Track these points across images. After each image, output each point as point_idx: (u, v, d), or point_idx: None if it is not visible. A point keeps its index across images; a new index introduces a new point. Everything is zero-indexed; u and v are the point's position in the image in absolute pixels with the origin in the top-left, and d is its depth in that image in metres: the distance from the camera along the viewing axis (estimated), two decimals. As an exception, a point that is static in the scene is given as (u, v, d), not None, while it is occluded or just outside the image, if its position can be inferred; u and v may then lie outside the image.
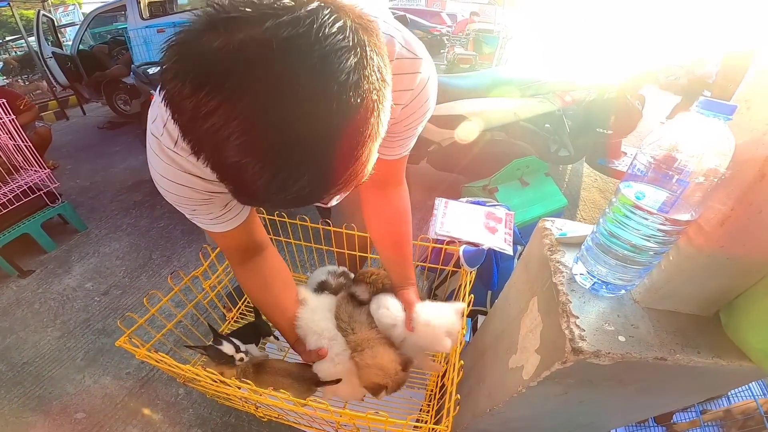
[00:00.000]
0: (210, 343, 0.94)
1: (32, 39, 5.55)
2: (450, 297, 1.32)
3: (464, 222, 1.53)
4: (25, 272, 2.34)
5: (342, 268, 1.20)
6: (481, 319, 1.52)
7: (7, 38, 12.91)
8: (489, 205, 1.67)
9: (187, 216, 0.73)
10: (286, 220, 1.19)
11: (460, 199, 1.74)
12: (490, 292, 1.52)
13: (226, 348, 0.89)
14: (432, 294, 1.47)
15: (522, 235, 2.26)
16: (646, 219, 0.55)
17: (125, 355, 1.78)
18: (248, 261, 0.89)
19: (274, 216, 1.19)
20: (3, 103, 2.29)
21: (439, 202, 1.55)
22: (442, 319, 0.96)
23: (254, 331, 1.05)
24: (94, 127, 5.15)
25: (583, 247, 0.69)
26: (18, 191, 2.33)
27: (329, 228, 1.15)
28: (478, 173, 2.39)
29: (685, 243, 0.57)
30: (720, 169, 0.49)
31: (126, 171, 3.64)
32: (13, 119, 2.32)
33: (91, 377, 1.71)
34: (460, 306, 0.99)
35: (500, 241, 1.44)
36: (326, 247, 1.20)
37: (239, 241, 0.84)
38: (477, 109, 2.26)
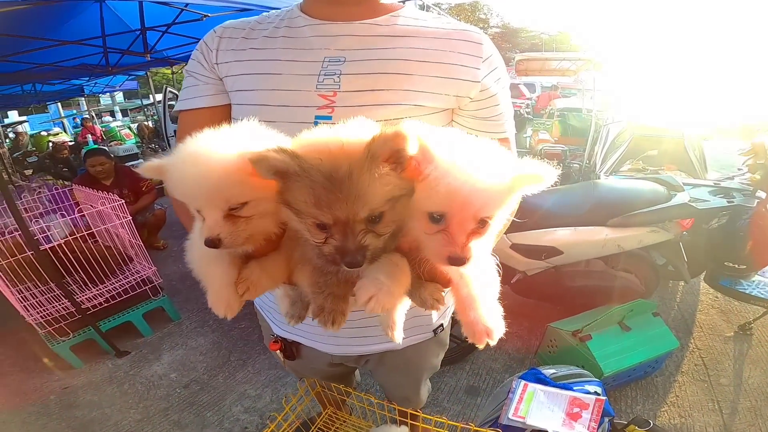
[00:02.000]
0: None
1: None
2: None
3: (543, 406, 1.35)
4: (122, 353, 2.58)
5: (405, 429, 1.17)
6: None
7: (145, 103, 15.56)
8: (577, 385, 1.44)
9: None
10: (352, 391, 1.20)
11: (543, 368, 1.51)
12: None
13: None
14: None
15: (617, 378, 1.92)
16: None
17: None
18: None
19: (341, 385, 1.22)
20: (122, 204, 2.62)
21: (518, 384, 1.38)
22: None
23: None
24: (200, 204, 5.79)
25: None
26: (127, 285, 2.61)
27: (394, 406, 1.16)
28: (570, 305, 2.14)
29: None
30: None
31: (219, 261, 3.92)
32: (129, 220, 2.65)
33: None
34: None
35: (582, 430, 1.28)
36: (389, 414, 1.21)
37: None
38: (571, 240, 2.04)
